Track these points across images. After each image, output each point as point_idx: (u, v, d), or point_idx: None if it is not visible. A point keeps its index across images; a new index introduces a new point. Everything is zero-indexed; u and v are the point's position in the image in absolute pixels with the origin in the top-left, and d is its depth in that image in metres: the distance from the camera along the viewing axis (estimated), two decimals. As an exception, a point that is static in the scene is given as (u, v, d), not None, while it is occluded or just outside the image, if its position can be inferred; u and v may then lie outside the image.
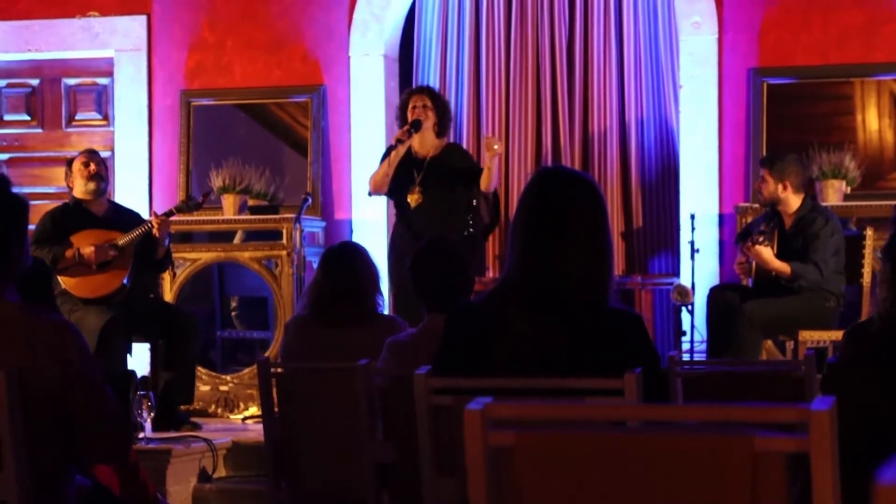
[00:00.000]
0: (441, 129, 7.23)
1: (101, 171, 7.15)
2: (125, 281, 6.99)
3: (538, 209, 3.20)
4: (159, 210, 7.37)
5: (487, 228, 7.48)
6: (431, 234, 6.85)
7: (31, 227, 5.78)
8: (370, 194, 7.37)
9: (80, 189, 7.08)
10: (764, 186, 6.96)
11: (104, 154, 7.70)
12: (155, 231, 6.95)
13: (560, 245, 3.15)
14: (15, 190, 3.25)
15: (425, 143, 7.20)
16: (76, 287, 6.93)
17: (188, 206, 7.26)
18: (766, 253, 6.75)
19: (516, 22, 8.64)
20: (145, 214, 7.88)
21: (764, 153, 7.72)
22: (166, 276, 8.04)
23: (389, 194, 7.31)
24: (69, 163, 7.20)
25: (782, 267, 6.76)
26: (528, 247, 3.18)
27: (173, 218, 7.17)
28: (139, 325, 7.05)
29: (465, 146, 8.47)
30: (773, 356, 7.26)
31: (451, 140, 7.81)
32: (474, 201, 7.19)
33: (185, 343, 7.05)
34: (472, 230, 7.16)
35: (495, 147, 6.94)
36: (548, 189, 3.22)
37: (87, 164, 7.10)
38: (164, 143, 8.74)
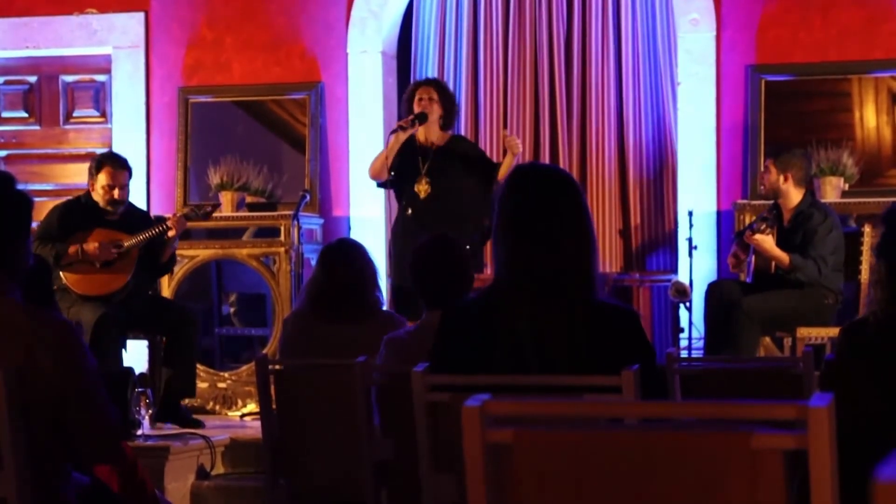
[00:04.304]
0: (446, 123, 7.21)
1: (124, 195, 7.04)
2: (127, 282, 6.97)
3: (521, 205, 3.23)
4: (160, 210, 7.35)
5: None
6: (441, 226, 6.85)
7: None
8: (371, 177, 7.36)
9: (99, 198, 7.03)
10: (767, 177, 6.99)
11: (102, 152, 7.64)
12: (172, 232, 6.95)
13: (546, 238, 3.17)
14: (20, 187, 3.26)
15: (430, 134, 7.18)
16: (77, 284, 6.92)
17: (197, 214, 7.23)
18: (767, 241, 6.76)
19: (514, 19, 8.64)
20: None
21: (762, 150, 7.73)
22: (165, 272, 8.04)
23: (394, 186, 7.27)
24: (98, 164, 7.03)
25: (782, 256, 6.77)
26: (516, 243, 3.20)
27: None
28: (138, 321, 7.05)
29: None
30: (771, 353, 7.26)
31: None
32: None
33: (185, 337, 7.04)
34: (479, 234, 7.12)
35: (518, 143, 7.00)
36: (528, 185, 3.26)
37: (112, 187, 7.01)
38: (161, 141, 8.74)
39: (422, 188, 7.09)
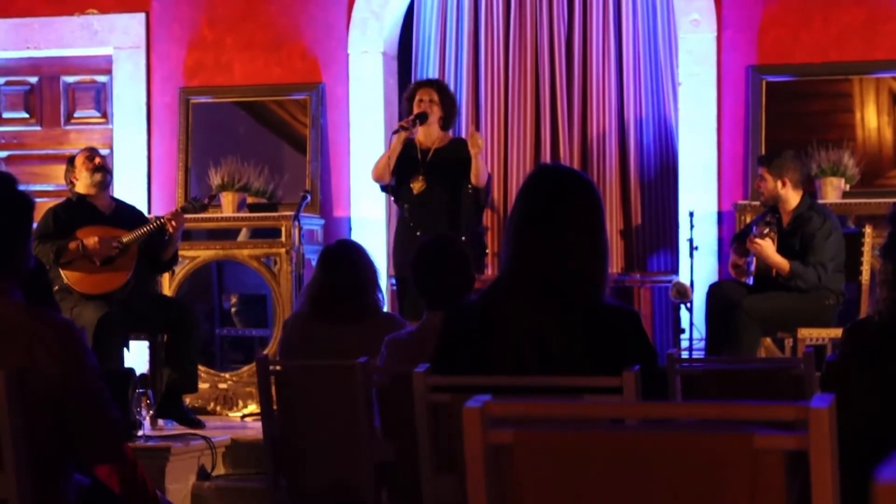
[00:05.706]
0: (446, 124, 7.22)
1: (105, 163, 7.19)
2: (128, 279, 6.98)
3: (536, 206, 3.22)
4: (161, 211, 7.36)
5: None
6: (431, 227, 6.86)
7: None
8: (374, 180, 7.36)
9: (85, 183, 7.08)
10: (763, 185, 6.98)
11: (103, 152, 7.70)
12: (170, 227, 6.96)
13: (557, 240, 3.16)
14: (21, 188, 3.25)
15: (430, 135, 7.19)
16: (79, 282, 6.93)
17: (194, 206, 7.24)
18: (769, 248, 6.76)
19: (515, 19, 8.64)
20: (145, 212, 7.88)
21: (763, 151, 7.72)
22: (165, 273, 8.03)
23: (391, 187, 7.28)
24: (70, 160, 7.19)
25: (782, 263, 6.76)
26: (526, 243, 3.19)
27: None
28: (139, 320, 7.05)
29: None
30: (771, 353, 7.26)
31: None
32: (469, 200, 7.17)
33: (187, 334, 7.04)
34: (477, 229, 7.14)
35: (479, 143, 6.97)
36: (545, 186, 3.24)
37: (91, 158, 7.11)
38: (162, 141, 8.74)
39: (416, 185, 7.10)
